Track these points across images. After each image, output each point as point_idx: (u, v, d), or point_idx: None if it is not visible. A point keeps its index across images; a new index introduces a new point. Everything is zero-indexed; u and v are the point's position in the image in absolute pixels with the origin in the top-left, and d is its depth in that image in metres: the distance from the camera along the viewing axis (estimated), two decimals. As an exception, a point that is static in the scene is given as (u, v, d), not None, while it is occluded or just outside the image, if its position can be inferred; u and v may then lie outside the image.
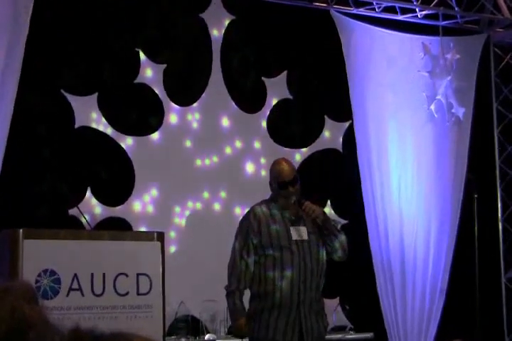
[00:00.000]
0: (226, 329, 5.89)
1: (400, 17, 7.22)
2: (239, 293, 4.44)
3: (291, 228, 4.47)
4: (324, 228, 4.46)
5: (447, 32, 7.35)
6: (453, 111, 7.21)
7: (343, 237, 4.52)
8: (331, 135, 6.95)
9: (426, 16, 7.32)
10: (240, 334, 4.62)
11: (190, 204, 6.22)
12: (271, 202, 4.55)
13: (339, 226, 4.64)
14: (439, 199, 7.09)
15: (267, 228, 4.46)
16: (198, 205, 6.25)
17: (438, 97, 7.15)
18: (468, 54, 7.36)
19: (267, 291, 4.41)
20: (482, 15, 7.53)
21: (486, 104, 7.66)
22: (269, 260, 4.42)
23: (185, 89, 6.34)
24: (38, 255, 4.14)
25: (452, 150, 7.23)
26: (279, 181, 4.46)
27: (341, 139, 6.97)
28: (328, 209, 6.63)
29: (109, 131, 5.99)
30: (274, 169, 4.55)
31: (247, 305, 4.50)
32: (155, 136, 6.19)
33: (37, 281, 4.08)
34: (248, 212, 4.58)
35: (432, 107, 7.12)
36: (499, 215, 7.67)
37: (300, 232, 4.46)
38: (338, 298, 6.58)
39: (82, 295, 4.20)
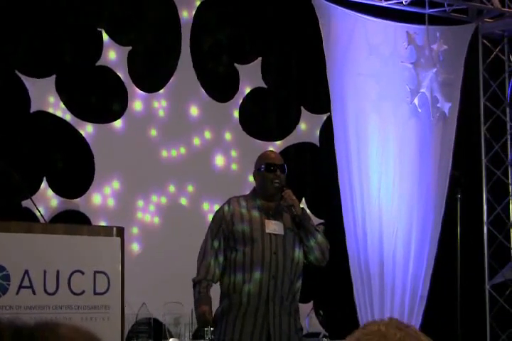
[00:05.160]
0: (191, 334, 5.80)
1: (383, 3, 7.15)
2: (206, 283, 4.43)
3: (267, 221, 4.45)
4: (300, 222, 4.41)
5: (434, 21, 7.30)
6: (438, 105, 7.15)
7: (321, 239, 4.49)
8: (307, 128, 6.89)
9: (411, 3, 7.25)
10: (203, 324, 4.54)
11: (154, 198, 6.13)
12: (251, 197, 4.52)
13: (321, 229, 4.64)
14: (421, 199, 7.02)
15: (240, 221, 4.41)
16: (163, 199, 6.16)
17: (422, 90, 7.09)
18: (456, 45, 7.32)
19: (236, 289, 4.37)
20: (471, 4, 7.48)
21: (474, 99, 7.62)
22: (238, 256, 4.39)
23: (152, 74, 6.26)
24: (-16, 249, 3.99)
25: (436, 147, 7.18)
26: (267, 163, 4.44)
27: (318, 132, 6.91)
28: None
29: (67, 116, 5.89)
30: (263, 155, 4.65)
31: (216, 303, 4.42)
32: (118, 123, 6.10)
33: (-17, 278, 3.92)
34: (224, 203, 4.58)
35: (416, 101, 7.06)
36: (484, 217, 7.60)
37: (275, 226, 4.43)
38: (311, 302, 6.52)
39: (34, 293, 4.06)
